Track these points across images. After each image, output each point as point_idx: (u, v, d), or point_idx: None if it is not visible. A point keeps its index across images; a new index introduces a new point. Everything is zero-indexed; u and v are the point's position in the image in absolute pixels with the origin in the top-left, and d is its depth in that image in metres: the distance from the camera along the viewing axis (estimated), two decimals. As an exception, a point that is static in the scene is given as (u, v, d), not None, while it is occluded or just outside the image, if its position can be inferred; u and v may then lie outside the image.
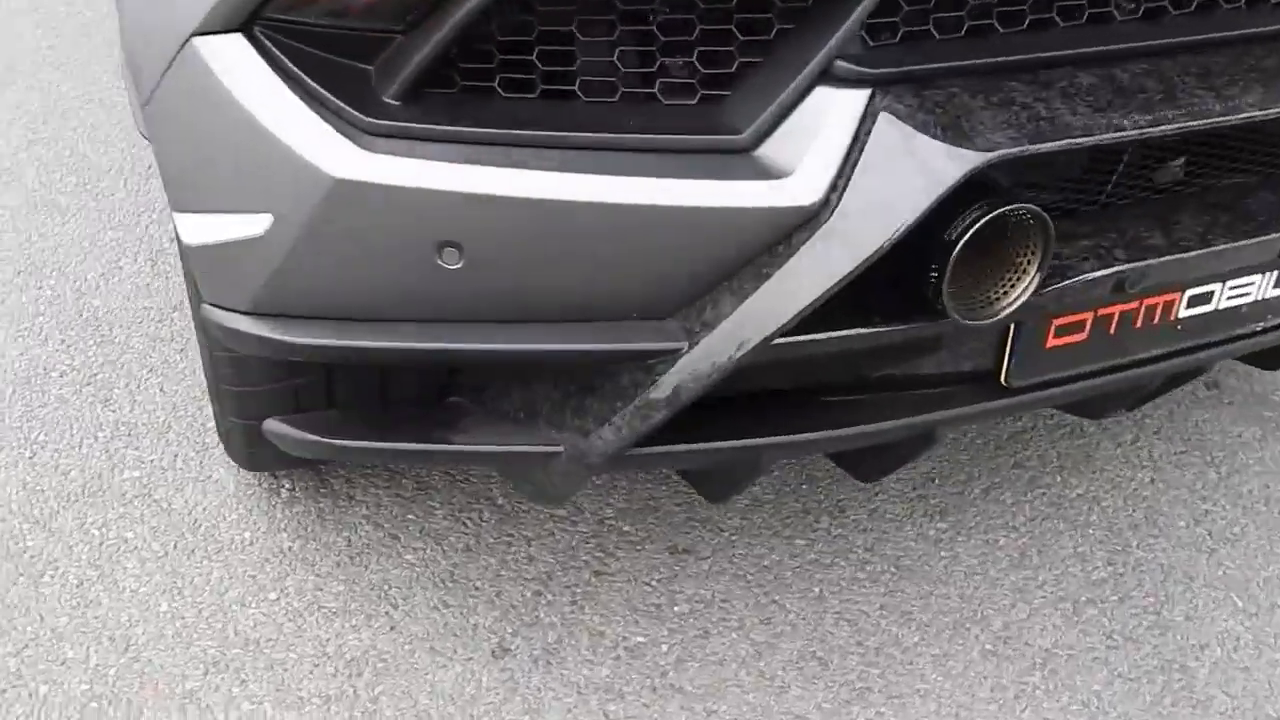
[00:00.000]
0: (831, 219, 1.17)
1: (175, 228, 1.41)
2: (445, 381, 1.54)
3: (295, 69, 1.21)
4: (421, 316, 1.29)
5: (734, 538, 1.95)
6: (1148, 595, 1.89)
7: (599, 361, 1.33)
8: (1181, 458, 2.16)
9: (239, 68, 1.21)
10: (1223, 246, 1.33)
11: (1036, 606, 1.87)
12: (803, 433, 1.44)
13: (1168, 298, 1.47)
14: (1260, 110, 1.25)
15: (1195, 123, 1.22)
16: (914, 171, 1.15)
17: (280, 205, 1.24)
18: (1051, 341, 1.43)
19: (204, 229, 1.33)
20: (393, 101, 1.22)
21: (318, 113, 1.21)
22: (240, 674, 1.68)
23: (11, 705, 1.64)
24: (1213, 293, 1.50)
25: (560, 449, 1.39)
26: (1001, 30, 1.27)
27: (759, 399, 1.47)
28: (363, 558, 1.87)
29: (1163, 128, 1.20)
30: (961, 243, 1.17)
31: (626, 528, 1.96)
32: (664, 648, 1.77)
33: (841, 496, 2.04)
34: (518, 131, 1.20)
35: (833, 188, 1.18)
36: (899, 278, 1.25)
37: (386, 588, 1.83)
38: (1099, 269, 1.28)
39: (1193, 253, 1.31)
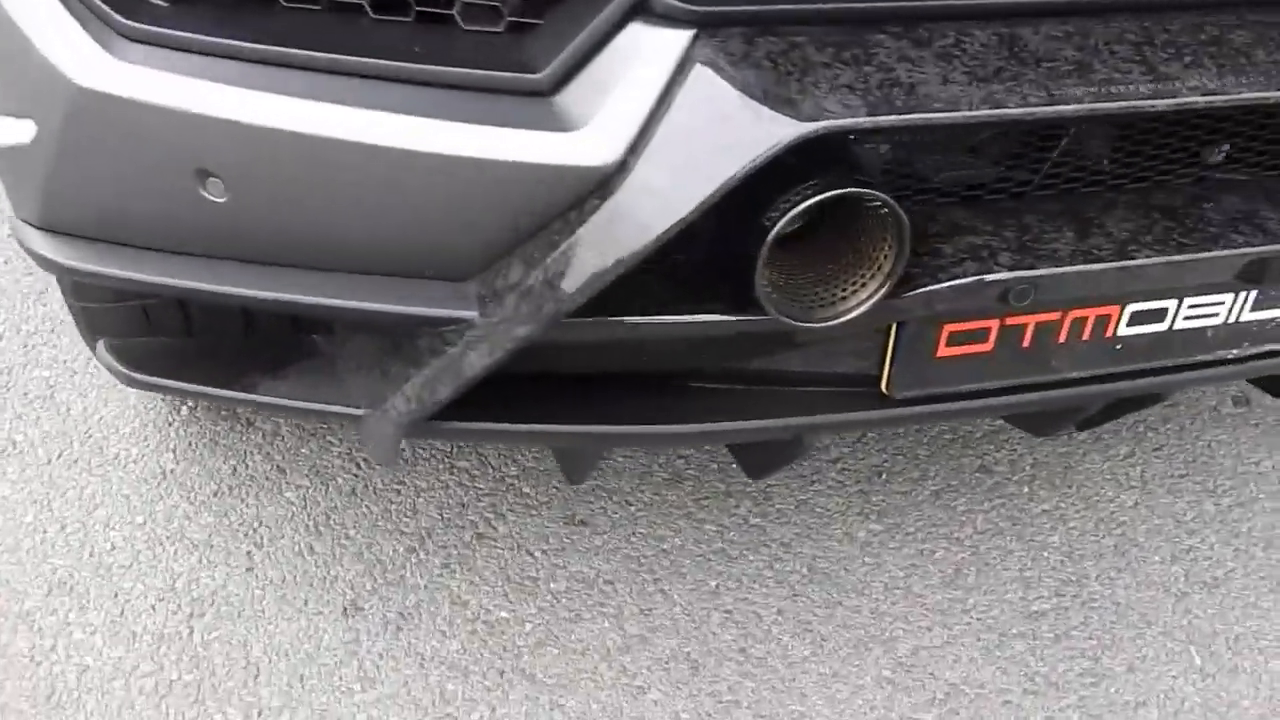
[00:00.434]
0: (624, 186, 0.98)
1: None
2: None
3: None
4: (195, 251, 1.15)
5: (640, 514, 1.79)
6: (1090, 637, 1.66)
7: (387, 324, 1.17)
8: (1178, 482, 1.89)
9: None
10: (1144, 262, 1.07)
11: (956, 634, 1.65)
12: (647, 424, 1.26)
13: (1100, 311, 1.22)
14: (1204, 96, 0.98)
15: (1106, 105, 0.96)
16: (723, 138, 0.94)
17: (38, 113, 1.10)
18: (943, 350, 1.20)
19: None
20: (161, 3, 1.07)
21: (75, 14, 1.06)
22: (82, 599, 1.62)
23: None
24: (1163, 310, 1.24)
25: (360, 412, 1.25)
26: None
27: (616, 382, 1.30)
28: (242, 490, 1.78)
29: (1056, 109, 0.95)
30: (776, 229, 0.96)
31: (527, 489, 1.82)
32: (527, 627, 1.63)
33: (773, 483, 1.85)
34: (287, 50, 1.03)
35: (632, 148, 0.98)
36: (729, 265, 1.05)
37: (257, 525, 1.73)
38: (977, 274, 1.05)
39: (1100, 266, 1.06)
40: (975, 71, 0.96)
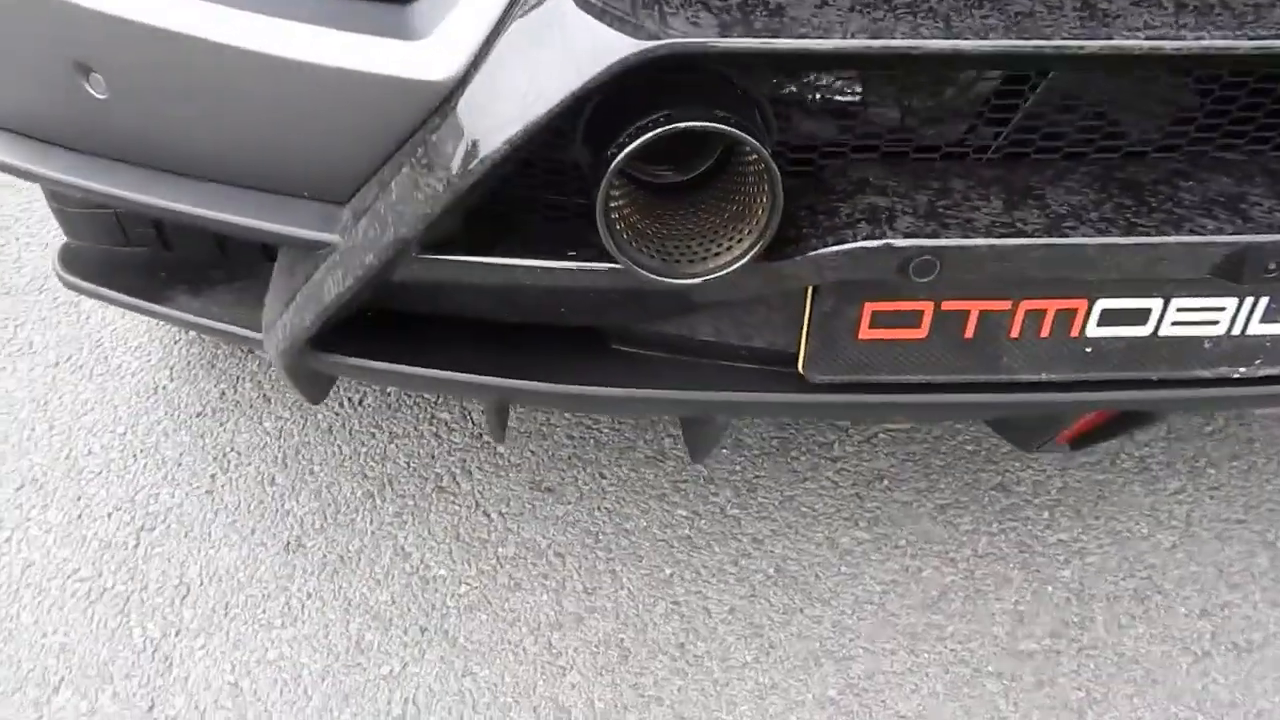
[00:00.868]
0: (459, 103, 0.88)
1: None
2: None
3: None
4: (85, 148, 1.13)
5: (610, 489, 1.69)
6: (1079, 688, 1.46)
7: (270, 242, 1.12)
8: (1230, 528, 1.65)
9: None
10: (1078, 241, 0.89)
11: (923, 661, 1.49)
12: (550, 383, 1.16)
13: (1062, 305, 1.04)
14: (1151, 40, 0.80)
15: (1023, 45, 0.80)
16: (559, 56, 0.84)
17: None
18: (867, 332, 1.05)
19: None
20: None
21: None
22: (47, 498, 1.65)
23: None
24: (1144, 311, 1.05)
25: (258, 336, 1.20)
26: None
27: (536, 337, 1.20)
28: (224, 414, 1.78)
29: (953, 44, 0.80)
30: (616, 162, 0.84)
31: (501, 449, 1.75)
32: (463, 588, 1.56)
33: (759, 474, 1.72)
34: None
35: (474, 62, 0.88)
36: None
37: (228, 450, 1.73)
38: (868, 238, 0.90)
39: (1020, 242, 0.89)
40: (866, -3, 0.82)
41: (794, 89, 0.93)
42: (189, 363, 1.87)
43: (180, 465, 1.71)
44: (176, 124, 1.05)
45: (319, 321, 1.07)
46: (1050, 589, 1.57)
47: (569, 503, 1.67)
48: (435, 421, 1.79)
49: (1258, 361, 1.11)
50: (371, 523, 1.64)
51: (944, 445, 1.76)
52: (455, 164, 0.88)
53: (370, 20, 0.94)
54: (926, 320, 1.05)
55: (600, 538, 1.63)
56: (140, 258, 1.36)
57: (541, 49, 0.84)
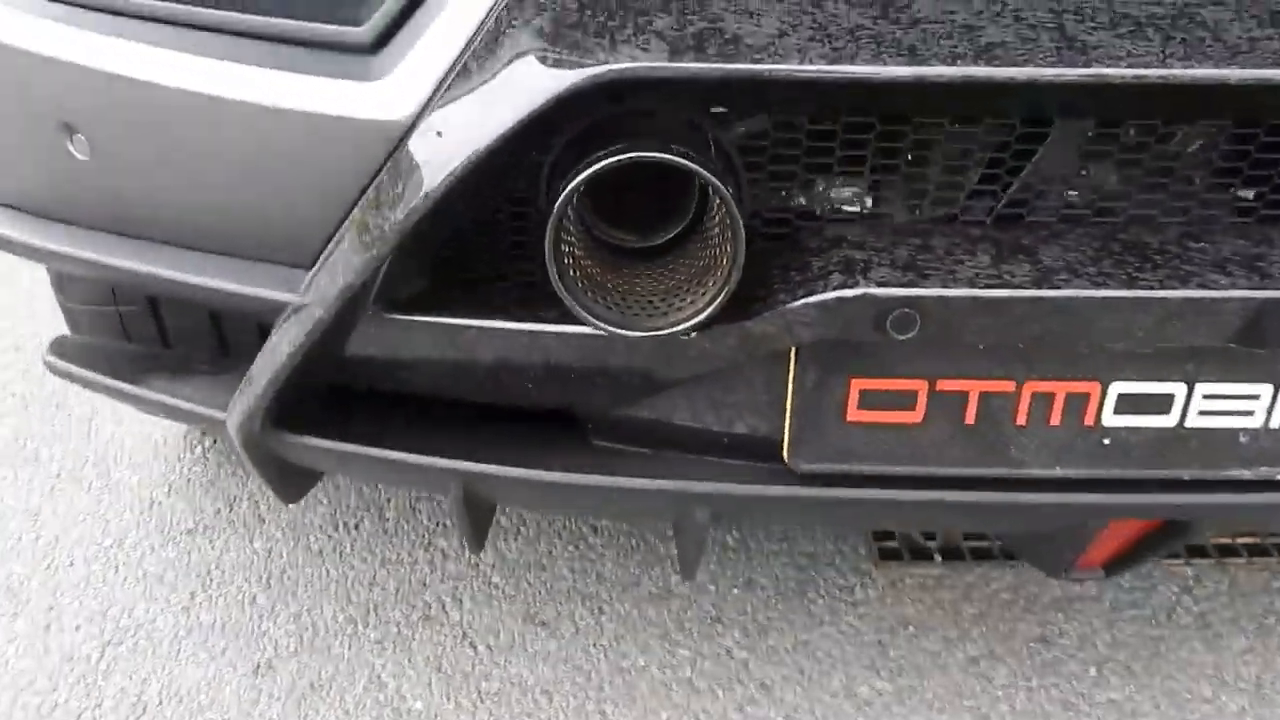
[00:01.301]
0: (409, 141, 0.85)
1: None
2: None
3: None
4: (72, 218, 1.12)
5: (610, 626, 1.56)
6: None
7: (238, 310, 1.08)
8: (1306, 697, 1.45)
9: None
10: (1069, 294, 0.80)
11: (947, 831, 1.30)
12: (517, 468, 1.08)
13: (1072, 387, 0.94)
14: (1134, 70, 0.74)
15: (997, 73, 0.74)
16: (508, 87, 0.80)
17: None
18: (855, 413, 0.96)
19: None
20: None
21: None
22: (20, 607, 1.57)
23: None
24: (1166, 398, 0.95)
25: (222, 416, 1.15)
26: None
27: (507, 425, 1.13)
28: (215, 531, 1.71)
29: (915, 72, 0.74)
30: (567, 190, 0.79)
31: (497, 579, 1.64)
32: (438, 723, 1.43)
33: (772, 614, 1.58)
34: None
35: (428, 101, 0.85)
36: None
37: (213, 567, 1.65)
38: (841, 287, 0.82)
39: (1005, 293, 0.81)
40: (827, 25, 0.77)
41: (773, 151, 0.88)
42: (189, 480, 1.82)
43: (161, 581, 1.63)
44: (154, 182, 1.03)
45: (273, 388, 1.01)
46: (1096, 756, 1.39)
47: (563, 638, 1.55)
48: (431, 549, 1.69)
49: (1306, 465, 0.98)
50: (350, 649, 1.52)
51: (977, 592, 1.61)
52: (400, 203, 0.84)
53: (332, 63, 0.93)
54: (921, 402, 0.96)
55: (593, 676, 1.49)
56: (134, 352, 1.33)
57: (496, 82, 0.81)
